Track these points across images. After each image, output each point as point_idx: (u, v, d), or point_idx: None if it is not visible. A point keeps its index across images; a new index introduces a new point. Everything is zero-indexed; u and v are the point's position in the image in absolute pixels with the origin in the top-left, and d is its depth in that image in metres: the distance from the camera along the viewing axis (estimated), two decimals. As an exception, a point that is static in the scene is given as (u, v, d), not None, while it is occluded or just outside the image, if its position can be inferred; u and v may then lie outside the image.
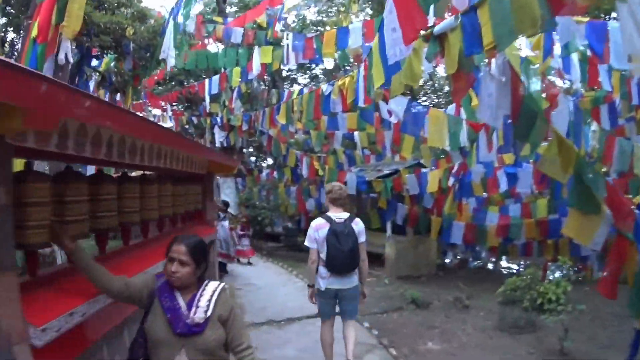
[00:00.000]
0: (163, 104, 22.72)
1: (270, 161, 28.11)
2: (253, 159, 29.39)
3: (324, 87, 10.00)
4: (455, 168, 11.39)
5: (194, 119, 22.05)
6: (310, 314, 8.70)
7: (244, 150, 23.64)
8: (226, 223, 12.78)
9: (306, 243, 6.15)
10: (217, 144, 20.22)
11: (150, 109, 23.51)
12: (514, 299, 8.63)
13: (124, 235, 4.60)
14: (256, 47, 12.69)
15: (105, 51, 12.85)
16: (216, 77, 15.98)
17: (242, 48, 14.19)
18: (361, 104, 8.14)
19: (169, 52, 11.40)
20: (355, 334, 6.30)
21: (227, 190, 20.52)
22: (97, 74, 14.76)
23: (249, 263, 15.55)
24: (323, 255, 5.95)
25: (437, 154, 15.30)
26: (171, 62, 11.85)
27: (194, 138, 24.25)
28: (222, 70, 15.97)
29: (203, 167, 6.87)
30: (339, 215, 6.09)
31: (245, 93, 19.17)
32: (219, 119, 19.85)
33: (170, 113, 23.00)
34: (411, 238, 14.01)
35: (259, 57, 12.58)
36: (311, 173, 15.85)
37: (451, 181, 11.60)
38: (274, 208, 19.08)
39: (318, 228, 6.00)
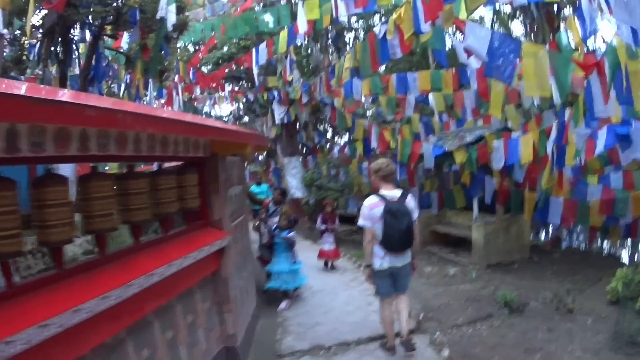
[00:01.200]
0: (214, 84, 21.20)
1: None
2: (330, 135, 27.62)
3: (377, 29, 8.53)
4: (555, 130, 9.09)
5: (251, 97, 20.45)
6: (372, 335, 7.18)
7: (309, 126, 21.94)
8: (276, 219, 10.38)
9: (360, 223, 6.20)
10: (277, 121, 18.93)
11: (200, 90, 22.06)
12: (631, 297, 6.82)
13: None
14: (300, 2, 10.92)
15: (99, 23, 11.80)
16: (262, 45, 14.33)
17: (283, 5, 12.49)
18: (423, 28, 7.11)
19: (167, 8, 9.88)
20: (409, 308, 6.51)
21: (293, 171, 19.29)
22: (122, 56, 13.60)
23: (331, 266, 12.00)
24: (379, 234, 6.02)
25: (526, 114, 13.18)
26: (171, 18, 10.32)
27: (258, 118, 23.00)
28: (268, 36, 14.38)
29: (199, 148, 5.43)
30: (392, 193, 6.14)
31: (301, 61, 17.37)
32: (276, 93, 18.18)
33: (226, 93, 21.43)
34: (501, 218, 11.98)
35: (304, 13, 10.81)
36: (382, 146, 14.03)
37: (549, 147, 9.29)
38: (344, 187, 17.24)
39: (372, 207, 6.06)
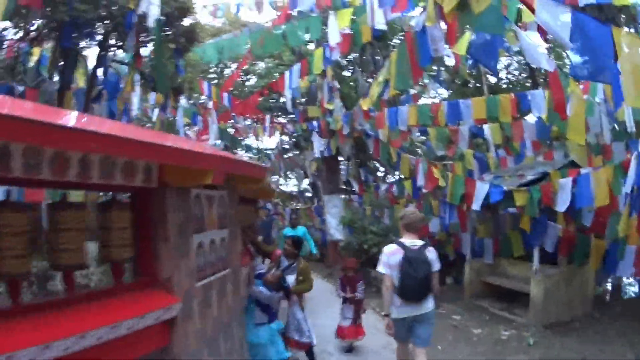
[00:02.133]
0: (249, 113, 20.09)
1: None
2: (382, 173, 26.28)
3: (413, 23, 7.42)
4: (634, 164, 7.42)
5: (290, 128, 19.24)
6: None
7: (351, 160, 20.58)
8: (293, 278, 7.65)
9: (378, 269, 6.23)
10: (317, 154, 17.72)
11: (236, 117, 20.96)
12: None
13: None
14: (331, 12, 9.71)
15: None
16: (296, 67, 13.13)
17: (315, 17, 11.33)
18: None
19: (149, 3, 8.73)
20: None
21: (333, 210, 17.98)
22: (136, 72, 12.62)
23: (349, 349, 8.90)
24: (396, 283, 6.03)
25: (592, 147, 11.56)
26: (153, 12, 9.10)
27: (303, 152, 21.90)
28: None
29: (138, 175, 3.88)
30: (413, 242, 6.20)
31: (347, 92, 16.16)
32: (315, 124, 16.93)
33: (267, 124, 20.21)
34: (564, 270, 10.43)
35: (336, 23, 9.60)
36: (430, 184, 12.66)
37: (628, 186, 7.59)
38: (388, 231, 15.62)
39: (391, 254, 6.11)
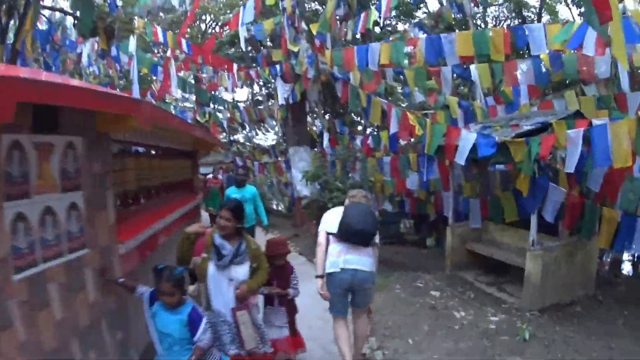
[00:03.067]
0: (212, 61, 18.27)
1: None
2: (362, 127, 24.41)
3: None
4: None
5: (252, 74, 17.14)
6: None
7: (318, 107, 18.61)
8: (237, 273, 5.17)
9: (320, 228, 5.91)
10: (281, 101, 15.84)
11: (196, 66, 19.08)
12: None
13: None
14: None
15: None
16: (250, 1, 11.34)
17: None
18: None
19: None
20: (367, 328, 6.22)
21: (300, 164, 16.46)
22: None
23: None
24: (334, 229, 5.69)
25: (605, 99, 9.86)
26: None
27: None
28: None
29: None
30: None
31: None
32: (278, 68, 14.94)
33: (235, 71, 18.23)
34: (565, 242, 8.72)
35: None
36: (405, 132, 10.99)
37: None
38: (355, 186, 13.73)
39: (334, 213, 5.94)
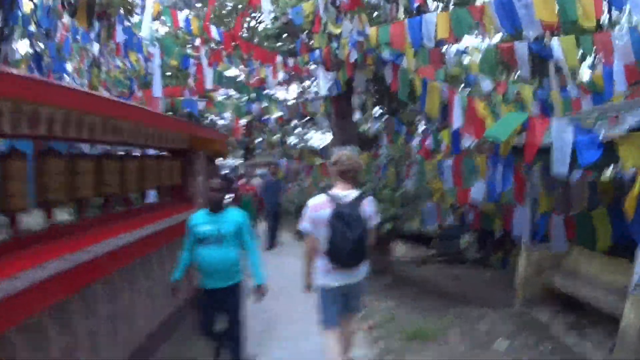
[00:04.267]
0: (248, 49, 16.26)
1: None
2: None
3: None
4: None
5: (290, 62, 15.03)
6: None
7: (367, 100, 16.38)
8: None
9: (300, 227, 5.44)
10: (324, 92, 13.72)
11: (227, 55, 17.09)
12: None
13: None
14: None
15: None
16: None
17: None
18: None
19: None
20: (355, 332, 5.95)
21: None
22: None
23: None
24: (324, 245, 5.19)
25: None
26: None
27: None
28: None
29: None
30: (345, 192, 5.30)
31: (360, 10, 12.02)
32: (317, 54, 13.12)
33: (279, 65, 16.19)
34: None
35: None
36: (472, 126, 8.81)
37: None
38: (409, 200, 11.46)
39: (318, 208, 5.25)
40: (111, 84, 16.57)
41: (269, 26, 18.27)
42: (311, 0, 12.79)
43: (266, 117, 21.02)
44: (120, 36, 12.27)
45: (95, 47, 13.81)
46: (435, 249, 14.33)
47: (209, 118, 26.22)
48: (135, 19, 14.15)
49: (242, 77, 19.66)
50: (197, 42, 15.71)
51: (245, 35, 21.03)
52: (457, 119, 8.83)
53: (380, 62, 11.35)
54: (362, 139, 17.73)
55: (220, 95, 20.24)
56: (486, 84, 12.07)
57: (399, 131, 17.66)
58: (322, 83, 13.54)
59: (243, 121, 22.11)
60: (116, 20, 11.86)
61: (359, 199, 5.25)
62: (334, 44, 12.34)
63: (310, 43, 14.33)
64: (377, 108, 18.55)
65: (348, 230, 5.00)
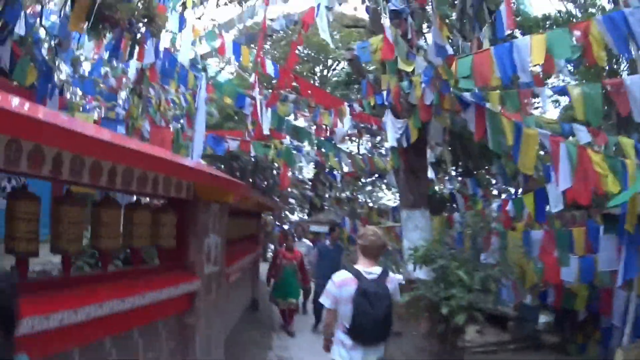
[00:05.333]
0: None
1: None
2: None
3: None
4: None
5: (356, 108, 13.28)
6: None
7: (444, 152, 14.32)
8: None
9: (322, 300, 5.51)
10: (392, 143, 11.84)
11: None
12: None
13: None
14: None
15: None
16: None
17: None
18: None
19: None
20: None
21: (414, 234, 11.81)
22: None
23: None
24: (346, 321, 5.27)
25: None
26: None
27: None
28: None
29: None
30: (369, 269, 5.36)
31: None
32: (385, 96, 11.54)
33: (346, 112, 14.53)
34: None
35: None
36: (583, 186, 7.35)
37: None
38: (487, 285, 9.04)
39: (342, 284, 5.30)
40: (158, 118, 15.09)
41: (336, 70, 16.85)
42: (380, 36, 11.01)
43: (333, 171, 19.84)
44: (149, 56, 10.51)
45: (132, 70, 12.29)
46: (509, 333, 12.35)
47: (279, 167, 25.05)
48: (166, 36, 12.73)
49: (304, 124, 18.20)
50: (252, 77, 14.16)
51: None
52: (564, 177, 6.77)
53: (460, 103, 9.38)
54: (435, 200, 15.63)
55: (287, 143, 18.44)
56: (583, 134, 10.12)
57: (476, 194, 16.06)
58: (390, 132, 11.69)
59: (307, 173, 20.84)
60: (143, 36, 10.16)
61: (383, 276, 5.30)
62: (405, 83, 10.46)
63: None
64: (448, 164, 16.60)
65: (372, 309, 5.06)
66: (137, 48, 10.21)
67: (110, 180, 4.32)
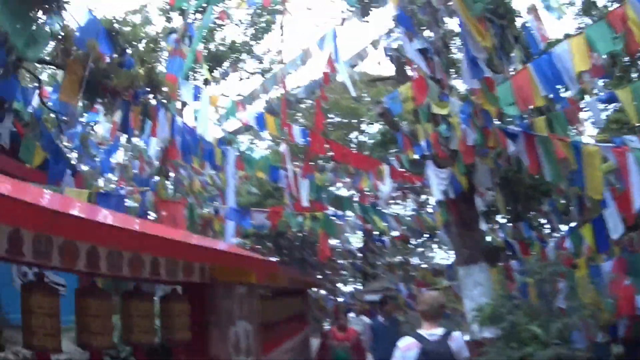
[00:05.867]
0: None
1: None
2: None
3: None
4: None
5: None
6: None
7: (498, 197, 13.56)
8: None
9: None
10: (438, 196, 11.06)
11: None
12: None
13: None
14: None
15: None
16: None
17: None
18: None
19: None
20: None
21: (473, 292, 10.92)
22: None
23: None
24: None
25: None
26: None
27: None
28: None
29: None
30: (431, 331, 5.50)
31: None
32: (424, 144, 10.89)
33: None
34: None
35: None
36: None
37: None
38: (563, 336, 8.12)
39: (406, 349, 5.46)
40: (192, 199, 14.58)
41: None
42: (408, 83, 10.42)
43: (382, 237, 19.49)
44: (162, 130, 9.87)
45: (153, 148, 11.75)
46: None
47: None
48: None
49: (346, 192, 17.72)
50: (282, 147, 13.85)
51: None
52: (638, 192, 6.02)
53: (505, 135, 8.65)
54: (487, 251, 14.80)
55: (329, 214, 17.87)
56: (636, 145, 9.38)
57: (530, 237, 15.32)
58: (434, 184, 10.98)
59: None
60: (154, 108, 9.63)
61: (446, 336, 5.37)
62: (442, 127, 9.80)
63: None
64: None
65: None
66: (148, 122, 9.71)
67: (111, 265, 3.82)
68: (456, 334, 5.57)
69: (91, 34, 8.22)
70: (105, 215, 4.46)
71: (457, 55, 14.75)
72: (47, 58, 9.49)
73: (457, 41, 14.12)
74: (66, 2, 8.06)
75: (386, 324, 11.41)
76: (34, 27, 7.58)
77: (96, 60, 8.12)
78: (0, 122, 8.41)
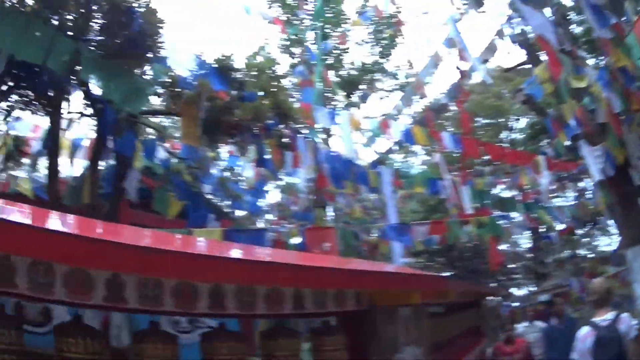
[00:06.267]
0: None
1: None
2: None
3: None
4: None
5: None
6: None
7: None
8: None
9: (574, 357, 5.87)
10: (597, 176, 10.22)
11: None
12: None
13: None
14: None
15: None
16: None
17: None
18: None
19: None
20: None
21: None
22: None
23: None
24: None
25: None
26: None
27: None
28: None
29: None
30: (603, 317, 5.62)
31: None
32: (573, 123, 10.30)
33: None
34: None
35: None
36: None
37: None
38: None
39: (584, 339, 5.66)
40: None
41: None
42: (543, 64, 9.96)
43: (548, 233, 18.98)
44: (305, 159, 9.93)
45: (302, 179, 11.81)
46: None
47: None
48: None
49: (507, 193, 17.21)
50: (436, 157, 13.93)
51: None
52: None
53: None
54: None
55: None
56: None
57: None
58: (591, 164, 10.24)
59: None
60: (292, 138, 9.71)
61: (615, 320, 5.42)
62: (585, 100, 9.30)
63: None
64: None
65: (606, 355, 5.21)
66: (289, 154, 9.74)
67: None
68: (624, 315, 5.60)
69: (201, 75, 8.44)
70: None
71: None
72: (162, 108, 9.80)
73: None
74: (160, 48, 8.17)
75: (561, 326, 9.52)
76: (131, 81, 7.73)
77: (211, 98, 8.31)
78: (123, 178, 8.68)
